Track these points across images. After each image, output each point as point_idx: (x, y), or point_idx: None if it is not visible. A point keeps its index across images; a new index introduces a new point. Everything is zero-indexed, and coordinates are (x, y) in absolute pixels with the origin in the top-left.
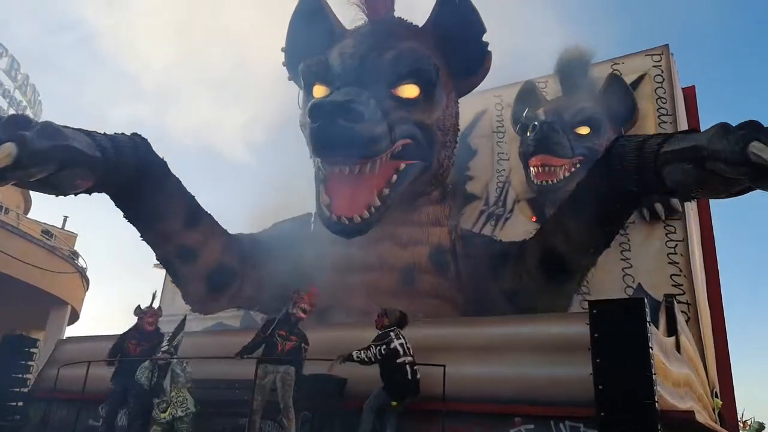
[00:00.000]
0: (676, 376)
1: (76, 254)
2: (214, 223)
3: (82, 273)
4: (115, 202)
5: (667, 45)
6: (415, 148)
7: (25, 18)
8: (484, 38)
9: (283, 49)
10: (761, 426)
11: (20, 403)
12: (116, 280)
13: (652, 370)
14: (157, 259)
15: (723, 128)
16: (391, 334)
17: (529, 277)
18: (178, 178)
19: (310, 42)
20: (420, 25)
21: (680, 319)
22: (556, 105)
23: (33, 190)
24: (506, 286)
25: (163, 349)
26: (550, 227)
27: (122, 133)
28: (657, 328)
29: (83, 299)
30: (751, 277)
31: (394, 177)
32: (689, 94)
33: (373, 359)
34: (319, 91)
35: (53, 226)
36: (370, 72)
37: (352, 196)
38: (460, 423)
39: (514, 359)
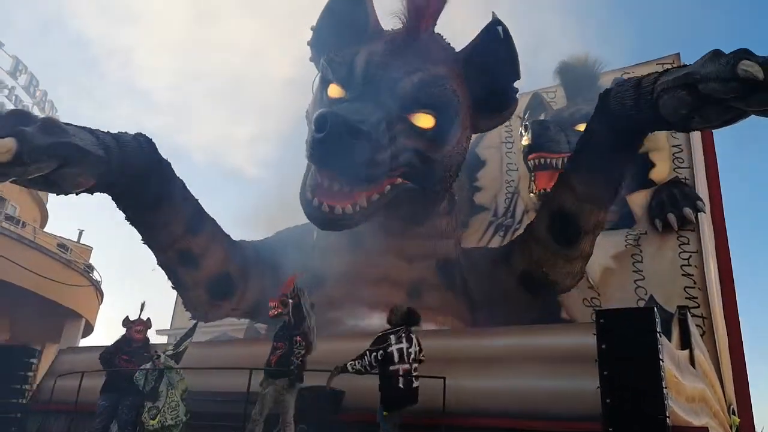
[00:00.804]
0: (689, 391)
1: (91, 267)
2: (217, 229)
3: (96, 286)
4: (117, 203)
5: (678, 54)
6: (413, 175)
7: (40, 36)
8: (516, 84)
9: (312, 28)
10: None
11: (19, 415)
12: (130, 293)
13: (663, 384)
14: (159, 264)
15: (715, 53)
16: (391, 337)
17: (540, 248)
18: (182, 181)
19: (342, 30)
20: (453, 43)
21: (694, 331)
22: (558, 110)
23: (33, 188)
24: (518, 269)
25: (167, 353)
26: (556, 189)
27: (126, 132)
28: (669, 340)
29: (97, 312)
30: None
31: (388, 187)
32: None
33: (368, 368)
34: (335, 90)
35: (69, 239)
36: (391, 90)
37: (341, 188)
38: None
39: (517, 372)
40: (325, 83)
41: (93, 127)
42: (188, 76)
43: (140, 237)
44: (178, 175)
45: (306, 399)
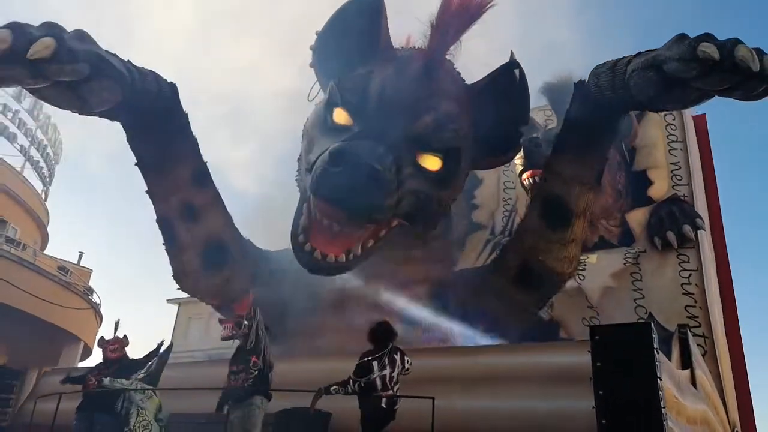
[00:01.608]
0: (691, 413)
1: (90, 290)
2: (220, 198)
3: (95, 309)
4: (131, 133)
5: None
6: (412, 215)
7: None
8: (523, 129)
9: (318, 33)
10: None
11: None
12: (129, 316)
13: (662, 403)
14: (158, 218)
15: (680, 37)
16: (374, 365)
17: (534, 237)
18: (195, 138)
19: (351, 41)
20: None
21: (695, 351)
22: (549, 130)
23: (60, 104)
24: (514, 266)
25: (138, 377)
26: (544, 179)
27: (152, 71)
28: (669, 359)
29: (96, 335)
30: None
31: (383, 232)
32: (699, 123)
33: (350, 393)
34: (341, 116)
35: (69, 261)
36: (403, 129)
37: (335, 235)
38: None
39: (510, 391)
40: (330, 105)
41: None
42: (186, 101)
43: (145, 185)
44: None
45: (291, 421)
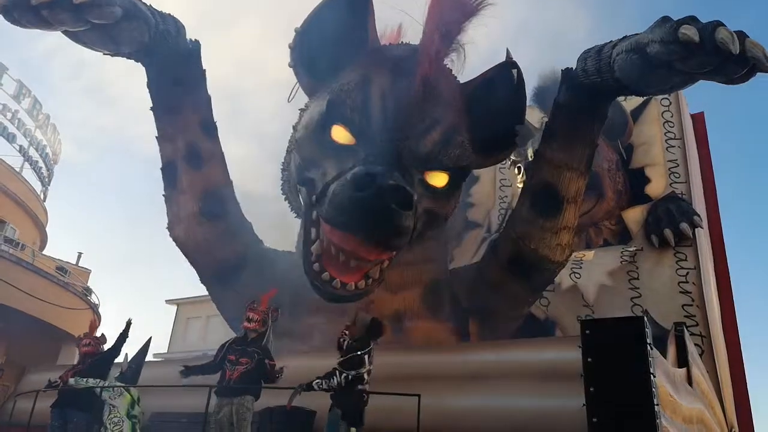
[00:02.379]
0: (686, 412)
1: (89, 290)
2: (224, 159)
3: (94, 309)
4: (150, 75)
5: None
6: (423, 234)
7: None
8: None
9: (296, 29)
10: None
11: None
12: (128, 317)
13: (655, 400)
14: (163, 165)
15: (663, 19)
16: (365, 358)
17: (526, 225)
18: (209, 96)
19: (335, 40)
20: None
21: (692, 349)
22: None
23: (94, 46)
24: (505, 256)
25: (115, 377)
26: (533, 167)
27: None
28: (665, 357)
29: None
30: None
31: (396, 252)
32: (698, 120)
33: (336, 388)
34: (342, 135)
35: (68, 262)
36: (411, 150)
37: (356, 263)
38: None
39: (499, 389)
40: (327, 122)
41: None
42: None
43: (156, 126)
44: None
45: (274, 419)
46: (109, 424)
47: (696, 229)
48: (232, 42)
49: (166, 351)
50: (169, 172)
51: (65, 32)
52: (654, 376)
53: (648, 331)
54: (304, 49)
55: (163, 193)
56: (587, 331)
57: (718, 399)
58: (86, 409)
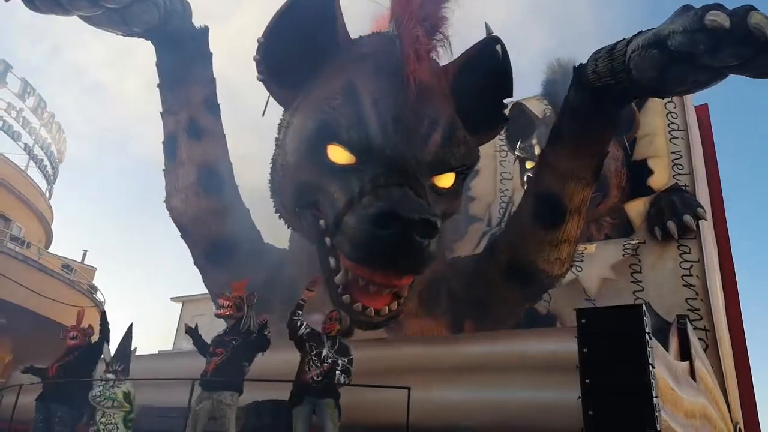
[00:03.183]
0: (689, 406)
1: (94, 288)
2: (224, 140)
3: (99, 307)
4: (159, 53)
5: None
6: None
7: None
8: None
9: (259, 40)
10: None
11: None
12: (133, 314)
13: (654, 392)
14: (165, 138)
15: (684, 8)
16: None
17: (525, 235)
18: (215, 78)
19: (305, 43)
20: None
21: (695, 342)
22: (547, 125)
23: (107, 28)
24: (503, 261)
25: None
26: (537, 171)
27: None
28: (667, 350)
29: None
30: None
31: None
32: (702, 111)
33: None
34: (340, 155)
35: (73, 260)
36: (416, 159)
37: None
38: None
39: (492, 381)
40: (321, 143)
41: None
42: None
43: (161, 102)
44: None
45: (262, 414)
46: (106, 424)
47: (699, 222)
48: (230, 34)
49: (171, 349)
50: (170, 144)
51: (79, 16)
52: (653, 367)
53: (647, 320)
54: (271, 59)
55: (163, 168)
56: (583, 321)
57: (722, 394)
58: (71, 403)
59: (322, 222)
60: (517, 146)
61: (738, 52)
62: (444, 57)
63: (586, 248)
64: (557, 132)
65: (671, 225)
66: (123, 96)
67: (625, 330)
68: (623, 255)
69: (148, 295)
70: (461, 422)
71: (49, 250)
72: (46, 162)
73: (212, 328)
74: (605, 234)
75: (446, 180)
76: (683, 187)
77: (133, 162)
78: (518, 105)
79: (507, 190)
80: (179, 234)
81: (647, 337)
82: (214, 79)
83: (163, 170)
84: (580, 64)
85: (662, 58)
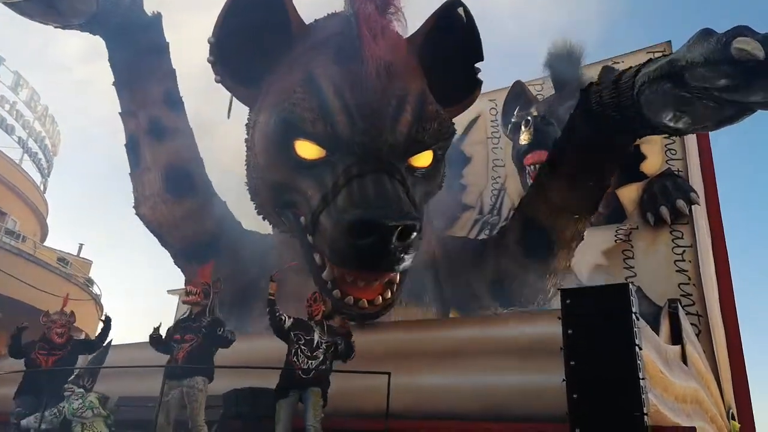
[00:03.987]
0: (680, 390)
1: (91, 281)
2: (191, 135)
3: (96, 300)
4: (109, 48)
5: (669, 41)
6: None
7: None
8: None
9: (210, 41)
10: None
11: None
12: (130, 307)
13: (640, 374)
14: (126, 141)
15: (704, 32)
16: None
17: (510, 261)
18: (174, 69)
19: (258, 38)
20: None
21: (687, 326)
22: (549, 103)
23: (40, 19)
24: (488, 276)
25: (71, 378)
26: (530, 196)
27: None
28: (658, 334)
29: (97, 326)
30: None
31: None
32: None
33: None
34: (309, 150)
35: (69, 253)
36: (389, 143)
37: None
38: None
39: (477, 366)
40: (288, 140)
41: None
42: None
43: (119, 102)
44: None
45: (240, 402)
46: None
47: (692, 206)
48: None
49: None
50: (132, 148)
51: (6, 4)
52: (640, 348)
53: (634, 299)
54: (225, 58)
55: (129, 171)
56: (568, 301)
57: (715, 379)
58: (58, 395)
59: (302, 219)
60: (514, 114)
61: None
62: (406, 29)
63: None
64: (555, 158)
65: (664, 210)
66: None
67: (611, 310)
68: (615, 241)
69: (144, 288)
70: (444, 408)
71: (44, 244)
72: (41, 155)
73: None
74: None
75: (423, 159)
76: (676, 172)
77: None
78: (519, 83)
79: (499, 177)
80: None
81: (634, 317)
82: (173, 70)
83: (129, 174)
84: (590, 83)
85: (678, 94)
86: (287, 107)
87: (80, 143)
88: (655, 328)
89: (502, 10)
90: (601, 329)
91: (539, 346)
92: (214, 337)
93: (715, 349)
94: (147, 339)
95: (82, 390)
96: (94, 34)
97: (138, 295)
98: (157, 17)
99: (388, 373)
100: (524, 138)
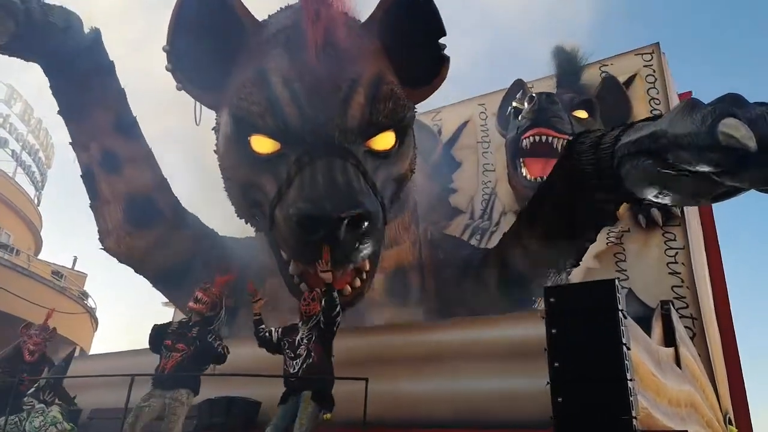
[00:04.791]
0: (674, 394)
1: (85, 294)
2: (152, 158)
3: (91, 313)
4: (48, 75)
5: (657, 43)
6: (392, 203)
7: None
8: (442, 41)
9: (165, 48)
10: None
11: None
12: (124, 320)
13: (628, 374)
14: (82, 170)
15: (689, 105)
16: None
17: (487, 295)
18: (123, 89)
19: (211, 41)
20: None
21: (680, 329)
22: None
23: None
24: (468, 303)
25: (30, 391)
26: (509, 238)
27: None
28: (650, 336)
29: (92, 339)
30: (763, 288)
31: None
32: (685, 97)
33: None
34: (263, 144)
35: (63, 266)
36: (340, 127)
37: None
38: None
39: (457, 371)
40: (242, 134)
41: None
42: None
43: (68, 132)
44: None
45: (215, 412)
46: None
47: (684, 208)
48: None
49: None
50: (88, 181)
51: None
52: (627, 348)
53: (620, 296)
54: (182, 64)
55: (90, 206)
56: (552, 299)
57: (711, 383)
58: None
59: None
60: (516, 97)
61: None
62: (360, 13)
63: None
64: (533, 209)
65: (655, 212)
66: None
67: (597, 307)
68: (607, 244)
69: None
70: (423, 415)
71: (38, 257)
72: (34, 168)
73: None
74: None
75: (383, 141)
76: None
77: None
78: (519, 81)
79: (490, 181)
80: None
81: (621, 314)
82: (122, 90)
83: (89, 206)
84: (569, 141)
85: (659, 172)
86: (237, 103)
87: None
88: (647, 331)
89: (492, 16)
90: (586, 328)
91: (523, 348)
92: (209, 352)
93: (710, 352)
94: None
95: (42, 405)
96: (27, 60)
97: (133, 307)
98: (96, 34)
99: (366, 379)
100: (526, 115)
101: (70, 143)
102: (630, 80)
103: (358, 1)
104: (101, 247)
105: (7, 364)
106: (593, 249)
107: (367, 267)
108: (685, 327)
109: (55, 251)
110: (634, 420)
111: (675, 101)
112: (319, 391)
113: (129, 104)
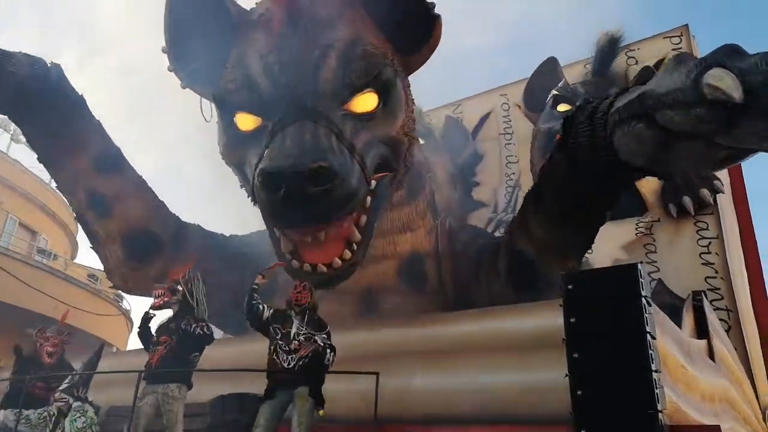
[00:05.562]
0: (706, 387)
1: (120, 296)
2: (140, 183)
3: (126, 315)
4: (18, 126)
5: (686, 25)
6: (384, 164)
7: None
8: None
9: (164, 50)
10: None
11: None
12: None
13: (653, 365)
14: (75, 216)
15: (677, 59)
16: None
17: (500, 284)
18: (98, 122)
19: (203, 33)
20: None
21: (713, 320)
22: (595, 84)
23: None
24: (483, 294)
25: (63, 387)
26: (515, 223)
27: (26, 55)
28: (680, 328)
29: (127, 340)
30: None
31: (368, 200)
32: None
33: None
34: (246, 121)
35: (98, 269)
36: (315, 91)
37: (325, 236)
38: None
39: (472, 364)
40: (227, 115)
41: None
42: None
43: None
44: (93, 115)
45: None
46: None
47: (717, 195)
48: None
49: None
50: (83, 225)
51: None
52: (652, 336)
53: (643, 281)
54: (182, 64)
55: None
56: (570, 286)
57: (748, 378)
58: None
59: None
60: (559, 86)
61: (761, 130)
62: None
63: None
64: (537, 190)
65: (687, 200)
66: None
67: (618, 294)
68: (636, 234)
69: None
70: (437, 410)
71: (74, 261)
72: None
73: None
74: None
75: (364, 103)
76: None
77: (155, 167)
78: (552, 59)
79: (513, 173)
80: None
81: (644, 301)
82: (97, 123)
83: (90, 248)
84: (579, 106)
85: (652, 136)
86: (218, 84)
87: None
88: (677, 321)
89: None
90: (607, 316)
91: (540, 339)
92: (189, 338)
93: (747, 345)
94: None
95: (79, 403)
96: None
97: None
98: (58, 70)
99: (377, 374)
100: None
101: (57, 188)
102: (657, 65)
103: None
104: (111, 284)
105: (23, 369)
106: (621, 239)
107: (358, 237)
108: (720, 320)
109: (90, 254)
110: (660, 414)
111: None
112: (315, 386)
113: (108, 136)
